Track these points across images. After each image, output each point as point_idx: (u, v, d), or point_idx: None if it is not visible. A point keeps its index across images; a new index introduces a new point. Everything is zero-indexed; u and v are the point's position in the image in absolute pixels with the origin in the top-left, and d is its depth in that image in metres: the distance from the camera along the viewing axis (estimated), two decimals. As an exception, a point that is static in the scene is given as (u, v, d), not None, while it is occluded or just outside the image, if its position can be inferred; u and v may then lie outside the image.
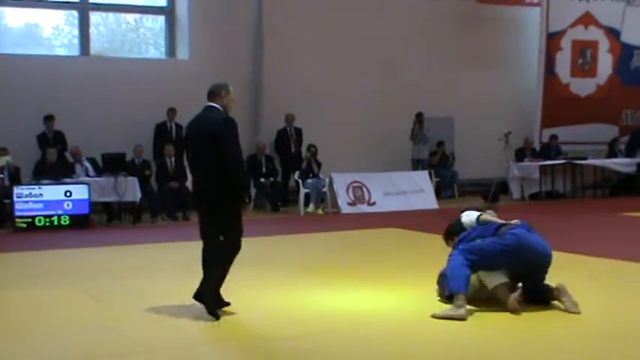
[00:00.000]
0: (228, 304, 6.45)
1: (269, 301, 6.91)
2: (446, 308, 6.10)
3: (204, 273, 6.39)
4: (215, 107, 6.37)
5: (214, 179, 6.21)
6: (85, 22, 16.05)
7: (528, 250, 6.10)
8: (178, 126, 15.42)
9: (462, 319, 5.93)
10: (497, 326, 5.89)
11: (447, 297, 6.24)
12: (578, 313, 6.03)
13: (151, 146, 15.26)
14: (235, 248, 6.36)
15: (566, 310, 6.07)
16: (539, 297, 6.26)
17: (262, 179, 15.40)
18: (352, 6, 17.54)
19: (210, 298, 6.29)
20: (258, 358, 5.30)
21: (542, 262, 6.20)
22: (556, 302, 6.21)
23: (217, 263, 6.30)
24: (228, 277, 6.44)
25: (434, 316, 6.00)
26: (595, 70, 19.15)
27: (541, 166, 17.01)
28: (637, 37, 19.35)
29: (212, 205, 6.28)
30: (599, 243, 10.15)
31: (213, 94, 6.42)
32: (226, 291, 6.44)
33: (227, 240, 6.34)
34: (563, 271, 7.77)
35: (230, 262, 6.36)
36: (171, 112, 15.35)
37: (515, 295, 6.05)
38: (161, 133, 15.35)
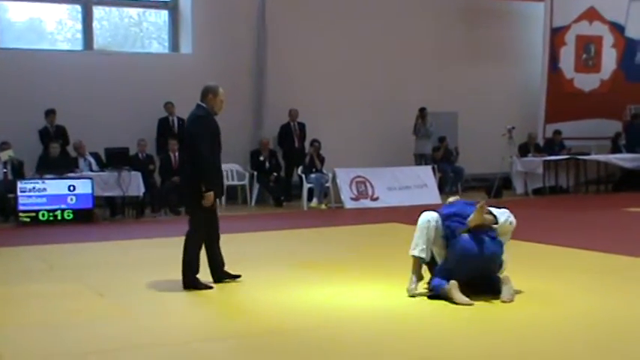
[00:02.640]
0: (237, 276, 7.31)
1: (271, 295, 6.91)
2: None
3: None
4: (201, 106, 7.15)
5: (186, 170, 7.25)
6: (89, 16, 16.04)
7: (471, 257, 6.51)
8: (180, 120, 15.42)
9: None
10: (503, 317, 5.91)
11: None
12: (511, 301, 6.25)
13: (154, 141, 15.27)
14: (198, 232, 7.17)
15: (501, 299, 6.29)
16: (490, 287, 6.52)
17: (265, 174, 15.42)
18: (357, 0, 17.52)
19: (185, 276, 7.16)
20: (264, 351, 5.29)
21: (482, 262, 6.52)
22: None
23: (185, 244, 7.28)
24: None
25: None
26: (599, 66, 19.11)
27: (545, 161, 16.99)
28: (641, 33, 19.32)
29: (183, 193, 7.60)
30: (603, 238, 10.13)
31: (202, 94, 7.17)
32: (232, 285, 6.36)
33: (192, 223, 7.26)
34: (566, 265, 7.76)
35: (194, 245, 7.20)
36: (169, 105, 15.30)
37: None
38: (164, 127, 15.34)
